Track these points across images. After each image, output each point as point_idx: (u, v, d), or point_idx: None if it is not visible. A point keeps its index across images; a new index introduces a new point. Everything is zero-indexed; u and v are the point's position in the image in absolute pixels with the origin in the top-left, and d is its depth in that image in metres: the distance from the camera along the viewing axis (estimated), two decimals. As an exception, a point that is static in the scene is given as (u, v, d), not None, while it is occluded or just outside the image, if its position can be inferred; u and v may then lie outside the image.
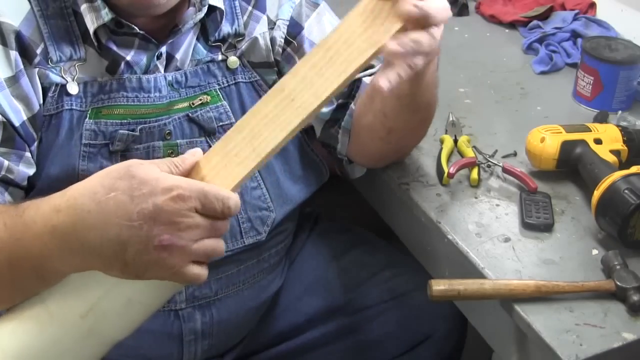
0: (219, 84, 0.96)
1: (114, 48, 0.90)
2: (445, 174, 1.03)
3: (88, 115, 0.90)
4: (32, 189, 0.90)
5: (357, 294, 1.14)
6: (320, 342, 1.13)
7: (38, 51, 0.88)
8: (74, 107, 0.90)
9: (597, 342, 0.79)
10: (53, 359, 0.77)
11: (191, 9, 0.93)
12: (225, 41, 0.96)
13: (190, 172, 0.76)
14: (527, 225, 0.96)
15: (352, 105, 1.00)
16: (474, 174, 1.04)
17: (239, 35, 0.97)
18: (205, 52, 0.95)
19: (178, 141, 0.93)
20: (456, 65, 1.39)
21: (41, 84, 0.88)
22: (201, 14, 0.92)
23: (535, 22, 1.51)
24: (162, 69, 0.93)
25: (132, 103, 0.91)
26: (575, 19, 1.49)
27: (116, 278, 0.73)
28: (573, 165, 1.03)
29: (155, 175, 0.71)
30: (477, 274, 0.90)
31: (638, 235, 0.90)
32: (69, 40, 0.89)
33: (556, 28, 1.47)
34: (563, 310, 0.83)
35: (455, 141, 1.12)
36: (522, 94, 1.30)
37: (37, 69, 0.88)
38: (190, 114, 0.94)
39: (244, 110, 0.96)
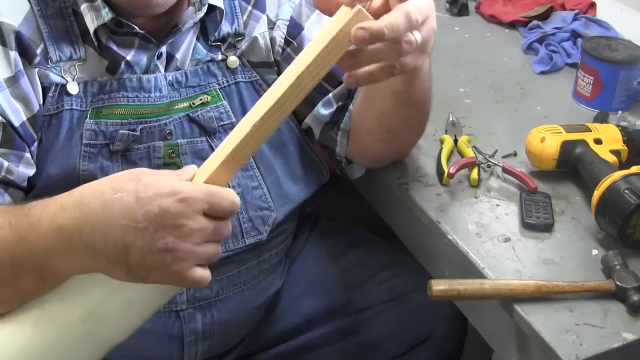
0: (219, 84, 0.96)
1: (114, 48, 0.90)
2: (445, 174, 1.03)
3: (88, 115, 0.90)
4: (31, 189, 0.90)
5: (357, 294, 1.14)
6: (321, 342, 1.13)
7: (38, 51, 0.88)
8: (74, 107, 0.90)
9: (597, 342, 0.79)
10: None
11: (191, 8, 0.93)
12: (225, 41, 0.96)
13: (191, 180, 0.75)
14: (527, 225, 0.96)
15: (350, 107, 1.00)
16: (474, 174, 1.04)
17: (238, 35, 0.97)
18: (205, 52, 0.95)
19: (179, 141, 0.93)
20: (456, 65, 1.39)
21: (41, 84, 0.88)
22: (201, 14, 0.93)
23: (535, 22, 1.51)
24: (162, 69, 0.93)
25: (133, 103, 0.91)
26: (575, 19, 1.49)
27: (117, 281, 0.73)
28: (573, 165, 1.03)
29: (161, 179, 0.72)
30: (477, 274, 0.90)
31: (638, 235, 0.90)
32: (69, 40, 0.89)
33: (556, 28, 1.47)
34: (563, 310, 0.83)
35: (455, 141, 1.12)
36: (522, 94, 1.30)
37: (37, 69, 0.88)
38: (190, 114, 0.94)
39: (244, 110, 0.96)
